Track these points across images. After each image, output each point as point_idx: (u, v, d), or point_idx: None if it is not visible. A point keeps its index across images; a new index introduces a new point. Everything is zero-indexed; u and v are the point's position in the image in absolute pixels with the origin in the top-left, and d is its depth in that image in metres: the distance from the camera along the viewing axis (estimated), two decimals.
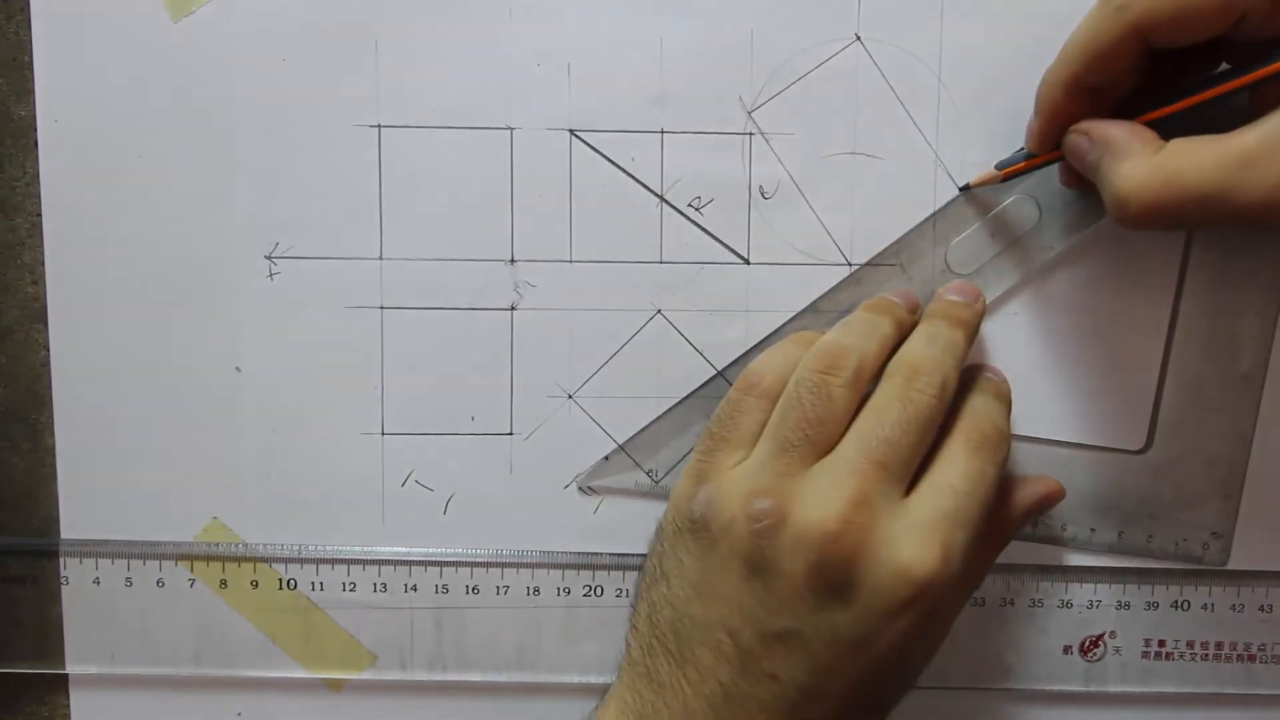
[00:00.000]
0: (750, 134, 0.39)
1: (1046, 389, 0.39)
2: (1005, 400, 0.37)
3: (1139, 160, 0.32)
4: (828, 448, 0.33)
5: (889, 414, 0.33)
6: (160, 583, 0.41)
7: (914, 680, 0.35)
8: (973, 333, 0.37)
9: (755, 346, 0.39)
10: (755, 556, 0.32)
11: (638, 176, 0.39)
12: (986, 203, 0.39)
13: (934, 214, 0.39)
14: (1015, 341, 0.39)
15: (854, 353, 0.34)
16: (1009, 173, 0.37)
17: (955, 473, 0.33)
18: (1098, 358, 0.39)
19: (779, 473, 0.33)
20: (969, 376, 0.37)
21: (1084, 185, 0.36)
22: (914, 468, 0.33)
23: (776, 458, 0.33)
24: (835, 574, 0.31)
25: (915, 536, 0.32)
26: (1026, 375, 0.39)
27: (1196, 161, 0.31)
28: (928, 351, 0.35)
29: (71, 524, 0.41)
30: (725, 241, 0.39)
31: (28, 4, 0.38)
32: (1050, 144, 0.36)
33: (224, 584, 0.41)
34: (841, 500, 0.32)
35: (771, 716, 0.32)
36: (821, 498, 0.32)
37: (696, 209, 0.39)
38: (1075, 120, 0.34)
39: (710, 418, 0.36)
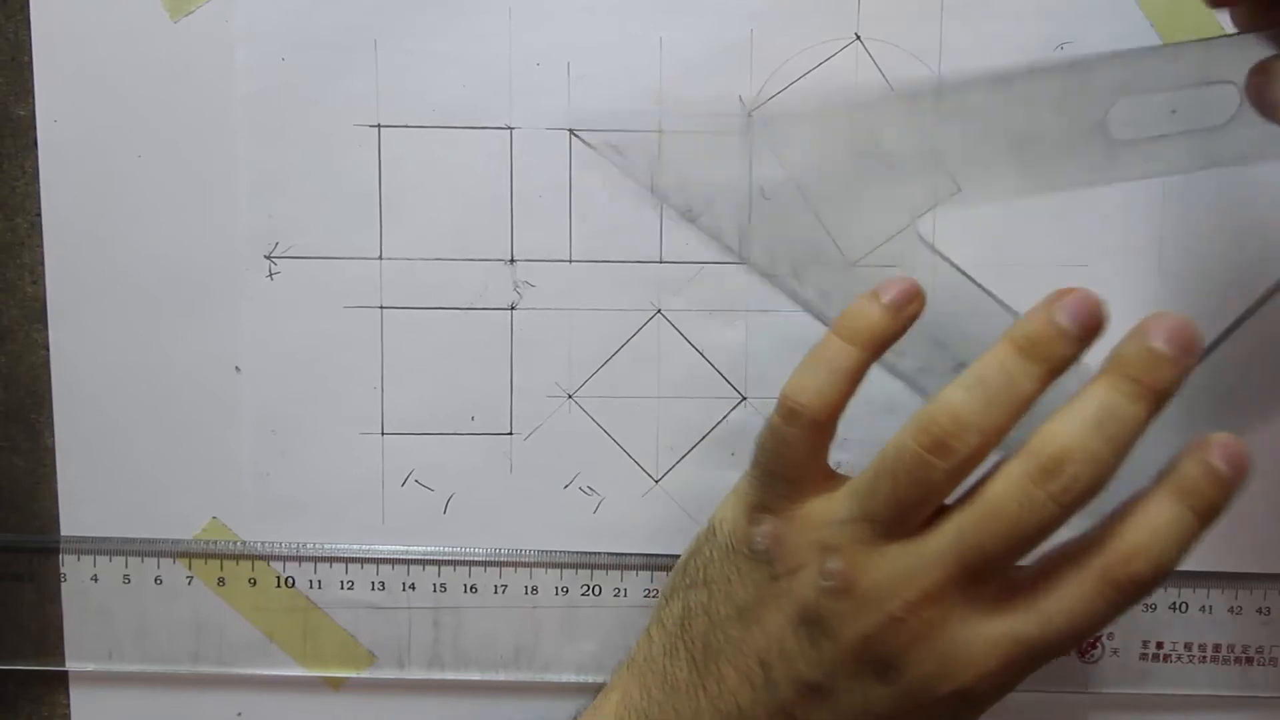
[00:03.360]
0: (750, 134, 0.39)
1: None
2: (1208, 520, 0.28)
3: None
4: (916, 526, 0.30)
5: (1000, 520, 0.28)
6: (158, 580, 0.41)
7: None
8: (1165, 403, 0.28)
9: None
10: (812, 611, 0.31)
11: (638, 176, 0.39)
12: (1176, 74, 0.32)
13: (933, 209, 0.39)
14: None
15: (973, 433, 0.28)
16: None
17: (1071, 609, 0.28)
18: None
19: (857, 539, 0.30)
20: (1191, 453, 0.28)
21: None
22: (1005, 571, 0.29)
23: (858, 523, 0.30)
24: (885, 654, 0.30)
25: (981, 648, 0.29)
26: None
27: None
28: (1087, 442, 0.27)
29: (71, 524, 0.41)
30: (725, 242, 0.39)
31: (27, 4, 0.38)
32: None
33: (222, 582, 0.41)
34: (916, 592, 0.29)
35: None
36: (897, 581, 0.29)
37: (697, 209, 0.39)
38: None
39: (756, 443, 0.33)
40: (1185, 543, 0.28)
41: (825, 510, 0.31)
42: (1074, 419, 0.27)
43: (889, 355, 0.32)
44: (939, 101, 0.34)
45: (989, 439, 0.28)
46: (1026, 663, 0.29)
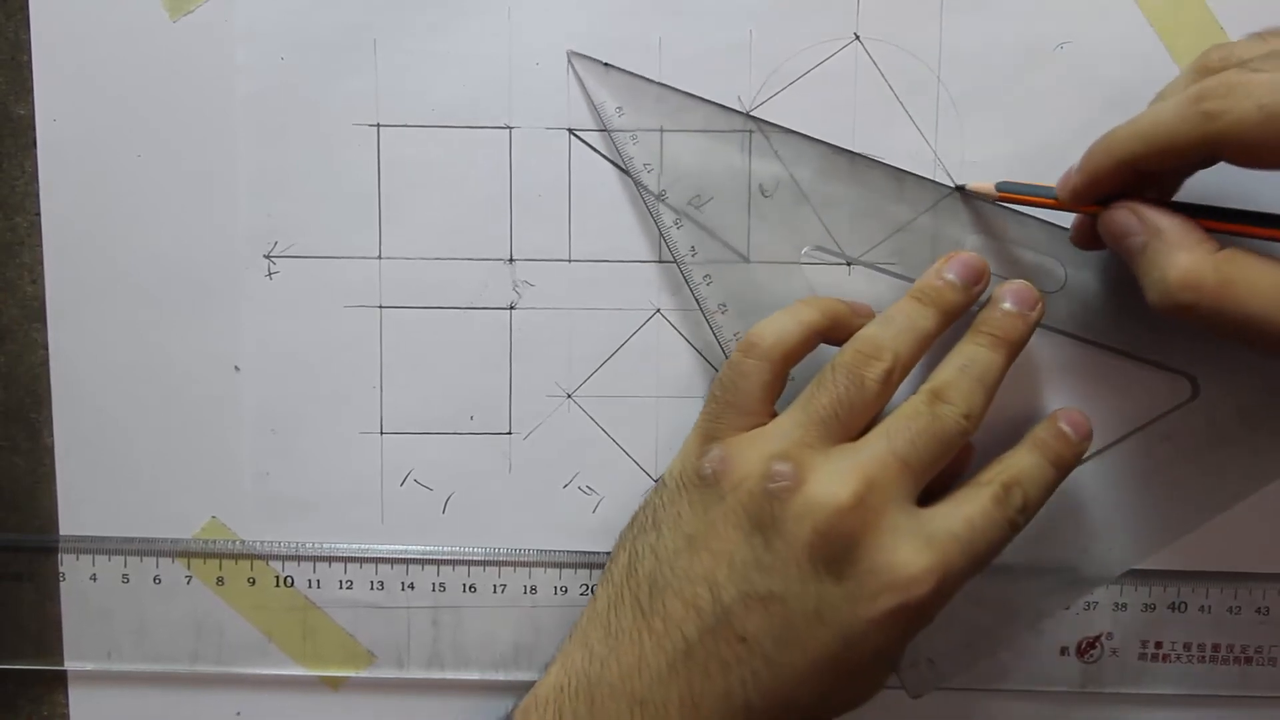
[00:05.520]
0: (750, 132, 0.39)
1: (1054, 384, 0.39)
2: (1062, 469, 0.36)
3: (1198, 256, 0.31)
4: (852, 433, 0.34)
5: (917, 421, 0.34)
6: (157, 579, 0.41)
7: (859, 700, 0.35)
8: (1018, 349, 0.36)
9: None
10: (763, 514, 0.33)
11: (637, 176, 0.39)
12: (1007, 234, 0.39)
13: (932, 208, 0.39)
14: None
15: (888, 352, 0.35)
16: (1004, 197, 0.37)
17: (975, 512, 0.34)
18: (1120, 374, 0.39)
19: (802, 443, 0.34)
20: (1044, 420, 0.37)
21: (1094, 246, 0.36)
22: (930, 477, 0.34)
23: (803, 428, 0.34)
24: (837, 546, 0.32)
25: (921, 542, 0.32)
26: (1027, 362, 0.39)
27: (1254, 280, 0.31)
28: (957, 380, 0.35)
29: (70, 524, 0.41)
30: (725, 240, 0.39)
31: (26, 3, 0.38)
32: (1081, 203, 0.35)
33: (220, 581, 0.41)
34: (859, 480, 0.33)
35: (729, 678, 0.33)
36: (840, 474, 0.33)
37: (696, 208, 0.39)
38: (1115, 190, 0.34)
39: (713, 382, 0.36)
40: (1043, 482, 0.35)
41: (766, 430, 0.35)
42: (950, 364, 0.35)
43: None
44: (851, 166, 0.39)
45: (901, 359, 0.35)
46: (959, 566, 0.33)
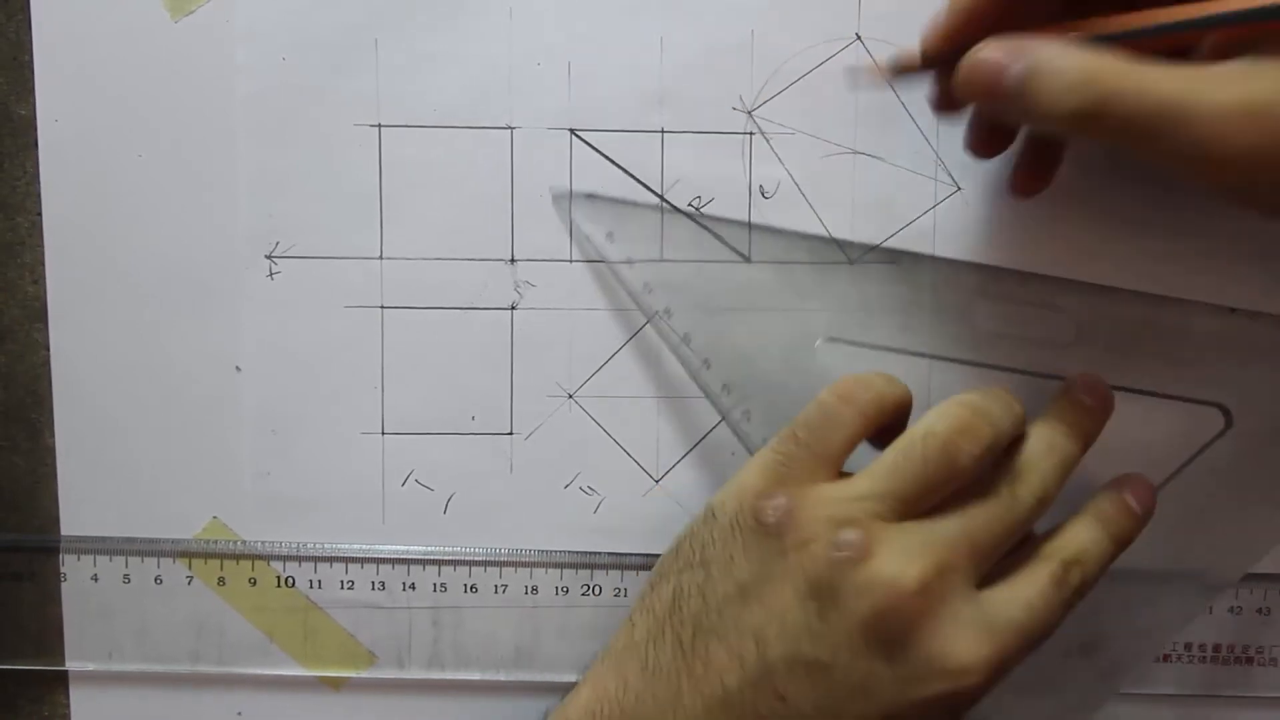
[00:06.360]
0: (750, 133, 0.39)
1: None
2: (1121, 544, 0.35)
3: (1090, 53, 0.28)
4: (926, 510, 0.33)
5: (995, 506, 0.33)
6: (158, 580, 0.41)
7: None
8: (1091, 442, 0.35)
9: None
10: (823, 582, 0.31)
11: (638, 176, 0.39)
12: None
13: (933, 209, 0.39)
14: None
15: (992, 429, 0.33)
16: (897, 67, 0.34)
17: (1035, 595, 0.32)
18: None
19: (875, 513, 0.32)
20: (1106, 490, 0.36)
21: (992, 151, 0.34)
22: (995, 562, 0.33)
23: (876, 499, 0.32)
24: (895, 629, 0.31)
25: (981, 631, 0.31)
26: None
27: (1157, 71, 0.27)
28: (1039, 464, 0.34)
29: (71, 524, 0.41)
30: (726, 240, 0.39)
31: (27, 3, 0.38)
32: (948, 49, 0.32)
33: (222, 581, 0.41)
34: (928, 563, 0.31)
35: None
36: (909, 553, 0.31)
37: (697, 208, 0.39)
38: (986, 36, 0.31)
39: (796, 419, 0.35)
40: (1103, 558, 0.34)
41: (840, 489, 0.33)
42: (1033, 447, 0.34)
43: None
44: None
45: (999, 441, 0.33)
46: (1016, 655, 0.32)
